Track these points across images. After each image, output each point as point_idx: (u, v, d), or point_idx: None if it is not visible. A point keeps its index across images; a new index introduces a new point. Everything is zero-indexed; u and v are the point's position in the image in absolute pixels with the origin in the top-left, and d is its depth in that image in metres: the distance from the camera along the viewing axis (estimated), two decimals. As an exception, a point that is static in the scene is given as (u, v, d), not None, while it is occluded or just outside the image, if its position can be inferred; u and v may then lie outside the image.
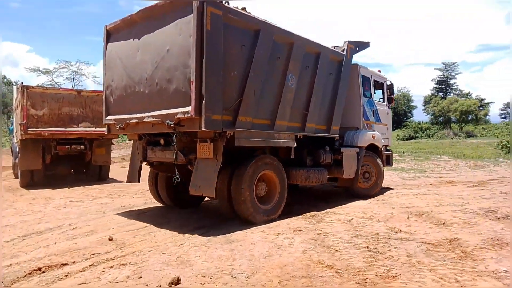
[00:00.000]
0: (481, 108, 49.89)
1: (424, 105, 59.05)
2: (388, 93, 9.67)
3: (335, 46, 8.19)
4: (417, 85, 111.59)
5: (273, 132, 6.13)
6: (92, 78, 45.13)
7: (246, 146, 5.72)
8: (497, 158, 17.91)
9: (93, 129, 10.76)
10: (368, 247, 4.41)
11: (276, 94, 6.18)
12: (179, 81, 5.18)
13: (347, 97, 8.44)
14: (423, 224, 5.50)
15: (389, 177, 11.84)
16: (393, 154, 14.53)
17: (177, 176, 5.66)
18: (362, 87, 8.69)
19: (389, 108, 9.80)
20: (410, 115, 60.57)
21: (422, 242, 4.56)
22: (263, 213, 5.91)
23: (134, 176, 6.83)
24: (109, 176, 12.10)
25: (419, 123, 49.49)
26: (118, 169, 14.03)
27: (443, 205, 6.96)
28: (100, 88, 8.50)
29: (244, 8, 5.80)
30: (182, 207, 7.03)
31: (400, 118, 55.89)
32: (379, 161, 8.87)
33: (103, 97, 6.74)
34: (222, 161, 5.39)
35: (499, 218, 5.79)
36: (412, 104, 61.84)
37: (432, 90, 61.74)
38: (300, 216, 6.19)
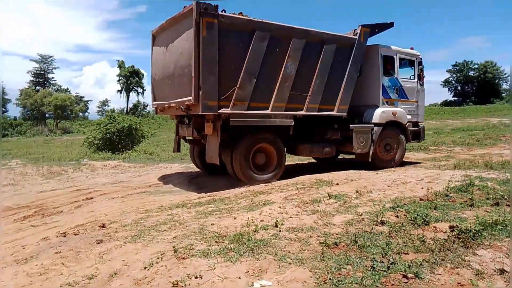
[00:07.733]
0: (77, 105, 48.70)
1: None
2: (419, 70, 9.74)
3: (354, 30, 8.75)
4: (13, 77, 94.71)
5: (270, 113, 7.34)
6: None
7: (242, 125, 7.06)
8: (82, 158, 13.38)
9: None
10: None
11: (274, 81, 7.32)
12: (187, 77, 6.81)
13: (367, 77, 9.02)
14: None
15: None
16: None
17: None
18: (383, 66, 9.05)
19: (420, 84, 9.86)
20: (4, 109, 52.37)
21: None
22: (259, 177, 7.31)
23: (175, 148, 8.87)
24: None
25: (9, 119, 44.48)
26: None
27: None
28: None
29: (240, 13, 7.05)
30: (211, 174, 8.75)
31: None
32: (401, 137, 9.26)
33: (151, 86, 8.82)
34: (224, 137, 6.94)
35: None
36: (6, 97, 51.75)
37: (29, 83, 53.88)
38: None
